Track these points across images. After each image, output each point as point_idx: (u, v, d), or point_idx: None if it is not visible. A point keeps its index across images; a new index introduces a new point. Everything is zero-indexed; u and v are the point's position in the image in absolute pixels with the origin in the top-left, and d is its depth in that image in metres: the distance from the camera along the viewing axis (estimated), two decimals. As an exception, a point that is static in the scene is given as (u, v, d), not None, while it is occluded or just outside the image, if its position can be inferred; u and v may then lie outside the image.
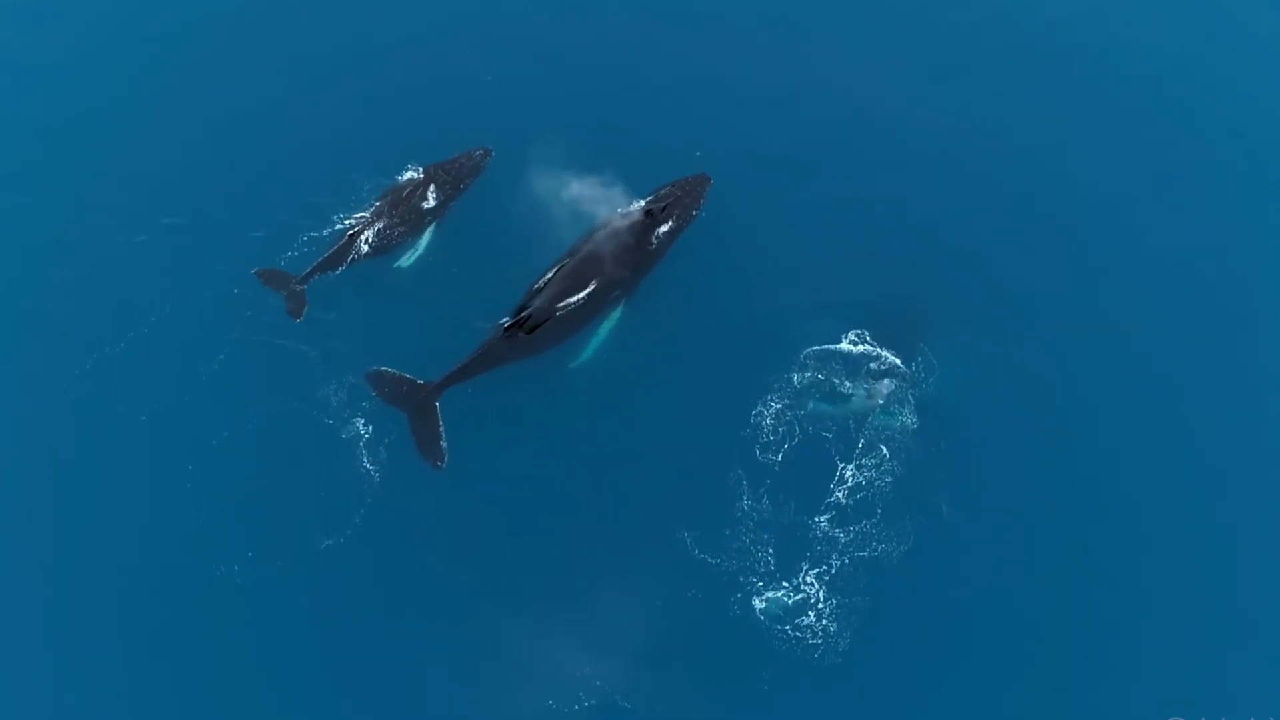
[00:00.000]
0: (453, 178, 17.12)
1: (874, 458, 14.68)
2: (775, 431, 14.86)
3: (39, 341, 15.92)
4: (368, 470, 14.52)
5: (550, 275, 15.56)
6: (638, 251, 15.87)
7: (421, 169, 17.19)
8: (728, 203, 17.05)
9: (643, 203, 16.35)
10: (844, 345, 15.67)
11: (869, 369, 15.40)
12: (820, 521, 14.24)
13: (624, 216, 16.12)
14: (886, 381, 15.25)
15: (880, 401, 15.05)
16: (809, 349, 15.61)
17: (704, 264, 16.64)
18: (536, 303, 15.10)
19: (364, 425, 14.88)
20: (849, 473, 14.56)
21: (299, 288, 15.99)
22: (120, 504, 14.53)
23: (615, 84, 18.89)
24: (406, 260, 16.64)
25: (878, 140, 18.50)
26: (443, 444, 14.46)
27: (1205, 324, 16.71)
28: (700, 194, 16.69)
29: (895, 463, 14.61)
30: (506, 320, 14.99)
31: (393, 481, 14.48)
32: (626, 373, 15.63)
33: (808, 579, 13.89)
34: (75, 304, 16.35)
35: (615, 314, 15.87)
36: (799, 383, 15.29)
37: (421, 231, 16.72)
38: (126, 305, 16.17)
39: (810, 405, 15.08)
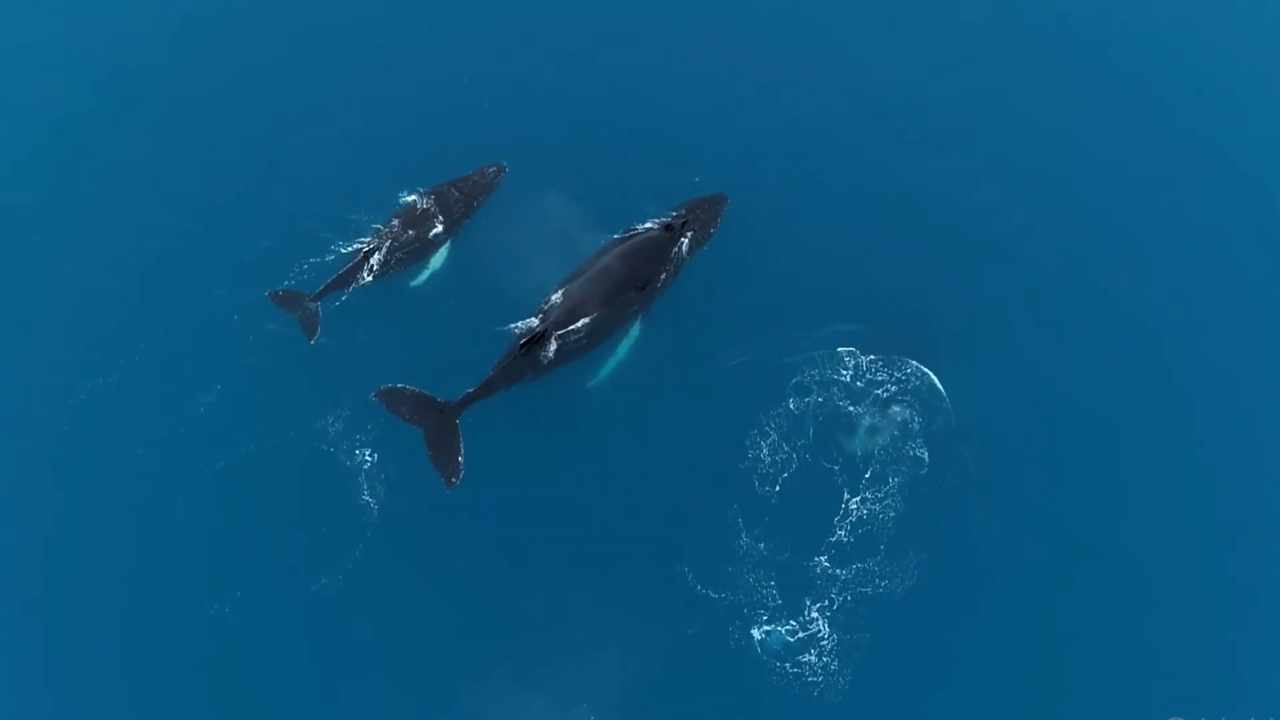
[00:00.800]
0: (466, 195, 16.77)
1: (879, 490, 14.45)
2: (774, 462, 14.63)
3: (29, 366, 15.73)
4: (367, 503, 14.42)
5: (565, 289, 15.33)
6: (655, 267, 15.59)
7: (432, 190, 16.79)
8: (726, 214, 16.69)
9: (660, 220, 16.08)
10: (847, 369, 15.36)
11: (876, 395, 15.10)
12: (823, 556, 14.09)
13: (641, 231, 15.91)
14: (896, 409, 14.95)
15: (892, 433, 14.78)
16: (810, 373, 15.31)
17: (698, 279, 16.25)
18: (553, 317, 14.90)
19: (366, 454, 14.73)
20: (853, 505, 14.35)
21: (312, 305, 15.71)
22: (111, 537, 14.40)
23: (627, 95, 18.39)
24: (420, 278, 16.38)
25: (882, 146, 18.01)
26: (460, 459, 14.36)
27: (1245, 332, 16.52)
28: (718, 213, 16.42)
29: (901, 496, 14.39)
30: (529, 324, 14.97)
31: (392, 514, 14.36)
32: (624, 397, 15.39)
33: (810, 614, 13.77)
34: (68, 322, 16.14)
35: (634, 331, 15.66)
36: (797, 408, 15.03)
37: (436, 249, 16.44)
38: (122, 325, 15.96)
39: (811, 433, 14.81)
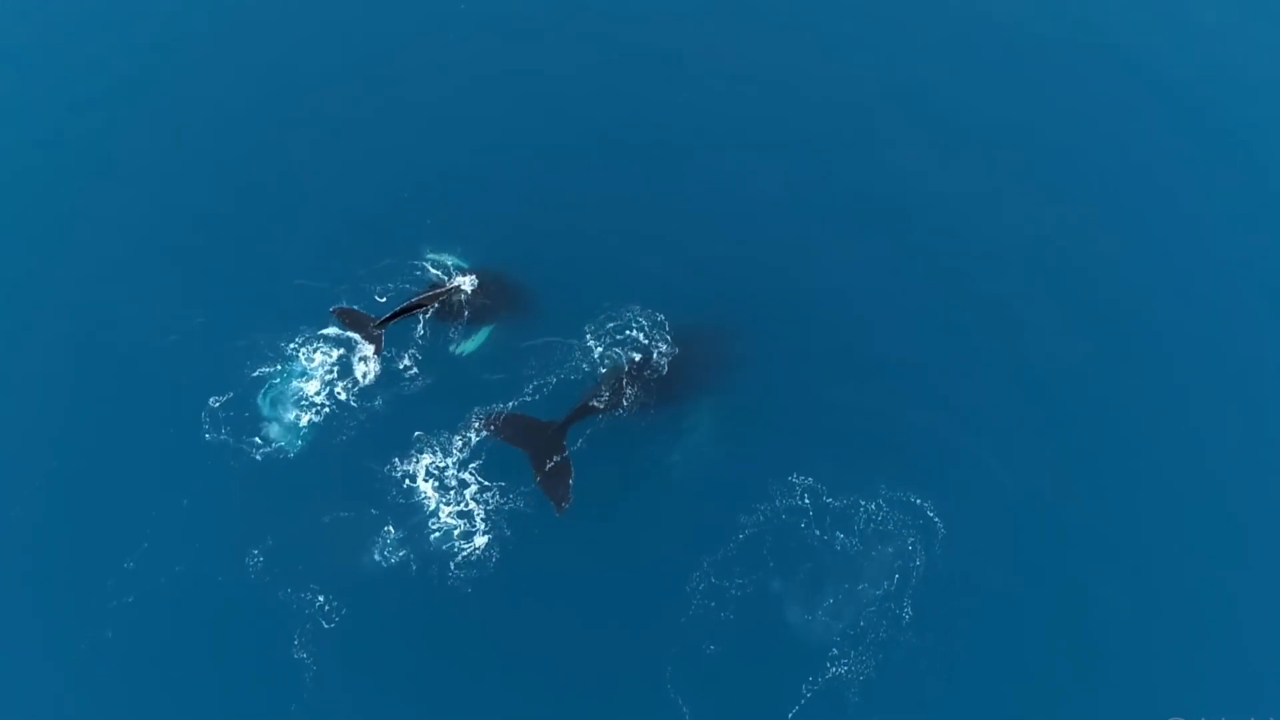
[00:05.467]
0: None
1: (855, 646, 13.71)
2: (729, 616, 13.88)
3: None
4: (302, 660, 13.34)
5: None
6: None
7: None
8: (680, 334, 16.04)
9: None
10: (806, 501, 14.65)
11: (840, 537, 14.44)
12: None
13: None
14: (881, 549, 14.31)
15: (867, 585, 14.13)
16: (766, 507, 14.59)
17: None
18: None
19: (302, 595, 13.64)
20: (830, 665, 13.60)
21: (377, 332, 15.36)
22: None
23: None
24: (461, 347, 15.81)
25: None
26: (570, 482, 14.09)
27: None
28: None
29: (875, 656, 13.67)
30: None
31: (329, 673, 13.30)
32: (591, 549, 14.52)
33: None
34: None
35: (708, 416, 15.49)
36: (745, 535, 14.31)
37: (488, 321, 16.10)
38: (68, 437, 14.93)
39: (776, 585, 14.09)
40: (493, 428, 14.63)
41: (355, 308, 15.64)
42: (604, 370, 15.42)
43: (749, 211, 17.35)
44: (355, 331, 15.44)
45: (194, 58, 18.79)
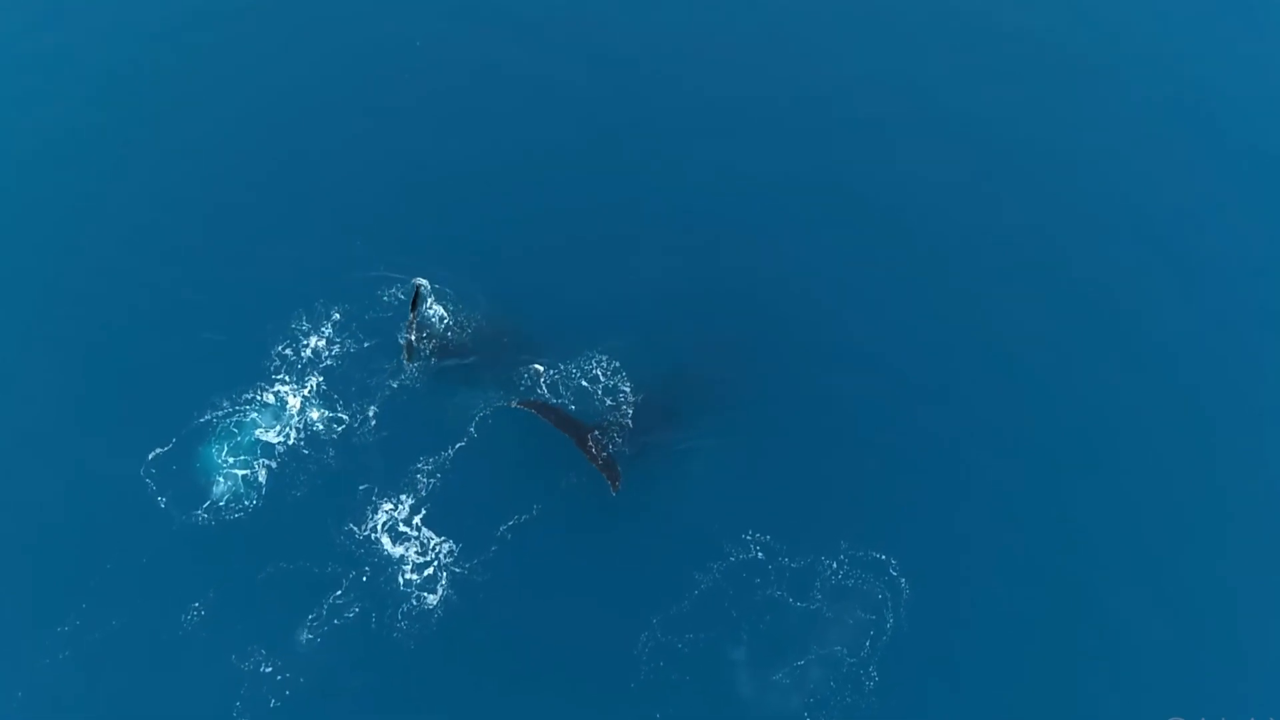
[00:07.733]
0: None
1: (820, 713, 13.26)
2: (682, 678, 13.42)
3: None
4: (244, 727, 13.02)
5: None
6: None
7: None
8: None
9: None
10: (761, 556, 14.19)
11: (798, 604, 13.91)
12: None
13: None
14: (845, 609, 13.82)
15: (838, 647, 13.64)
16: (722, 563, 14.11)
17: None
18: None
19: (248, 655, 13.26)
20: None
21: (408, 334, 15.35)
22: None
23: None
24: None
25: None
26: (618, 465, 14.24)
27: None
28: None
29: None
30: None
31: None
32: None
33: None
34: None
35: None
36: (699, 592, 13.80)
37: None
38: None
39: (730, 647, 13.64)
40: (534, 408, 14.66)
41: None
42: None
43: (703, 258, 16.99)
44: (412, 312, 15.25)
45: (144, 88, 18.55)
